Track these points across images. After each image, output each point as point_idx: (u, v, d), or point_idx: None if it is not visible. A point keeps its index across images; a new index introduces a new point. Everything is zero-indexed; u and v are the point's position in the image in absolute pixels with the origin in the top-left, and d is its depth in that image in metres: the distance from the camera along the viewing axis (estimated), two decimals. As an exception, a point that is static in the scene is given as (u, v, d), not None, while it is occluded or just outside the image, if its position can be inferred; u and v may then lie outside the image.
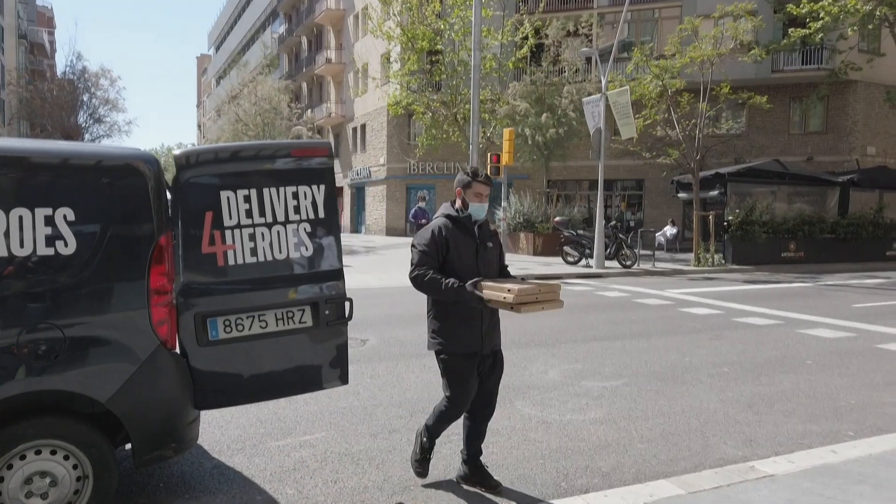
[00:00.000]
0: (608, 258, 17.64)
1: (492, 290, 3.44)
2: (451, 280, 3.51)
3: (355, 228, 38.44)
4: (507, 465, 4.18)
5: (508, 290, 3.36)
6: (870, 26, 21.39)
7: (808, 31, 20.70)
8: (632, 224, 25.57)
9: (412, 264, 3.61)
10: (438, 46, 24.37)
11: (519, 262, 17.93)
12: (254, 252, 3.61)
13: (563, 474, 4.05)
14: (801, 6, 20.62)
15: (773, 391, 5.96)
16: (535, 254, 20.94)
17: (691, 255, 19.28)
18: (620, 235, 17.99)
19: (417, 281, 3.57)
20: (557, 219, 19.68)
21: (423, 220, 16.27)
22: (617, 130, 18.88)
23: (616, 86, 19.54)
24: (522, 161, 23.97)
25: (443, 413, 3.76)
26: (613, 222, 19.76)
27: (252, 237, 3.61)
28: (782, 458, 4.26)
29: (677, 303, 11.53)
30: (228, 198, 3.56)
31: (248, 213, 3.61)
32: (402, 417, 5.03)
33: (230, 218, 3.56)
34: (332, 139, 42.39)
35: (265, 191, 3.65)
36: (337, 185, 35.34)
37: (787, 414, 5.32)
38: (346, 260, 19.36)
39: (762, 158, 23.93)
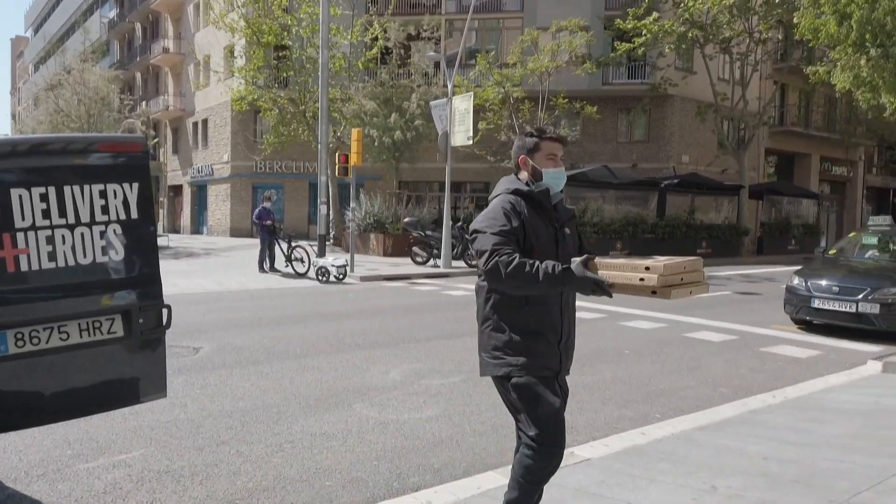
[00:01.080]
0: (455, 258, 18.12)
1: (617, 271, 2.51)
2: (550, 263, 2.53)
3: (196, 229, 36.33)
4: (340, 468, 4.14)
5: (647, 269, 2.43)
6: (683, 45, 23.85)
7: (632, 46, 22.67)
8: (479, 225, 26.49)
9: (482, 253, 2.60)
10: (286, 42, 23.73)
11: (368, 264, 17.91)
12: (52, 256, 3.27)
13: (396, 474, 4.09)
14: (627, 22, 22.55)
15: (595, 380, 6.43)
16: (386, 255, 21.03)
17: (532, 255, 20.30)
18: (467, 236, 18.54)
19: (499, 270, 2.53)
20: (407, 220, 19.90)
21: (269, 221, 15.75)
22: (464, 134, 19.48)
23: (462, 90, 20.16)
24: (372, 162, 23.98)
25: (534, 462, 2.72)
26: (461, 223, 20.34)
27: (50, 240, 3.27)
28: (598, 442, 4.60)
29: (517, 300, 12.10)
30: (21, 196, 3.20)
31: (46, 214, 3.26)
32: (233, 428, 4.81)
33: (23, 219, 3.20)
34: (169, 134, 39.79)
35: (66, 189, 3.32)
36: (176, 183, 33.24)
37: (604, 401, 5.76)
38: (185, 263, 18.29)
39: (594, 164, 25.79)
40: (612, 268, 2.52)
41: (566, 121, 24.09)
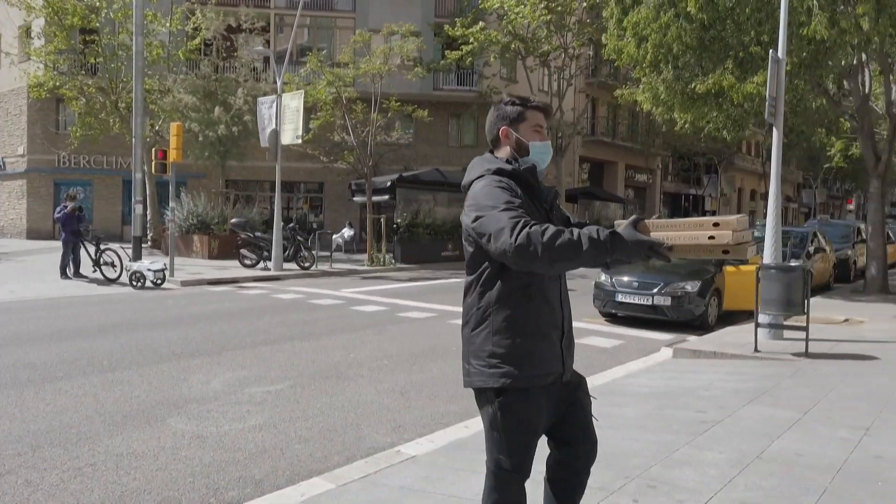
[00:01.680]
0: (287, 260, 17.60)
1: (677, 231, 2.15)
2: (593, 228, 2.11)
3: (-15, 231, 31.87)
4: (150, 489, 3.83)
5: (717, 225, 2.11)
6: (507, 56, 25.21)
7: (461, 54, 23.58)
8: (314, 226, 25.99)
9: (498, 233, 2.11)
10: (94, 24, 21.61)
11: (191, 267, 16.84)
12: None
13: (212, 489, 3.87)
14: (455, 29, 23.40)
15: (424, 378, 6.57)
16: (211, 257, 19.89)
17: (366, 256, 20.33)
18: (299, 237, 18.10)
19: (532, 243, 2.05)
20: (234, 220, 18.97)
21: (77, 223, 14.23)
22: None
23: (293, 88, 19.64)
24: (195, 158, 22.57)
25: (494, 487, 2.41)
26: (293, 224, 19.80)
27: None
28: (425, 439, 4.70)
29: (349, 301, 12.03)
30: None
31: None
32: (22, 454, 4.28)
33: None
34: (-51, 121, 34.51)
35: None
36: (-44, 177, 28.23)
37: (432, 397, 5.90)
38: (-33, 269, 15.99)
39: (427, 167, 26.39)
40: (669, 228, 2.16)
41: (399, 123, 24.47)
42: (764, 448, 4.31)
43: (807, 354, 7.35)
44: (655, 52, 12.94)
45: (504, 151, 2.48)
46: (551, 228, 2.07)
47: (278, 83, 17.95)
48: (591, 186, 34.02)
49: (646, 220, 2.16)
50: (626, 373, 6.96)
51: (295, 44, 19.08)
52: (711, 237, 2.11)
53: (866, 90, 14.18)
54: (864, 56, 13.65)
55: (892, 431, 4.69)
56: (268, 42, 26.19)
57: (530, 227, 2.08)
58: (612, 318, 10.58)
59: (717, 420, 4.97)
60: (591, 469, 2.58)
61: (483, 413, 2.40)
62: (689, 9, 12.11)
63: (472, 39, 23.29)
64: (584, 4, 24.10)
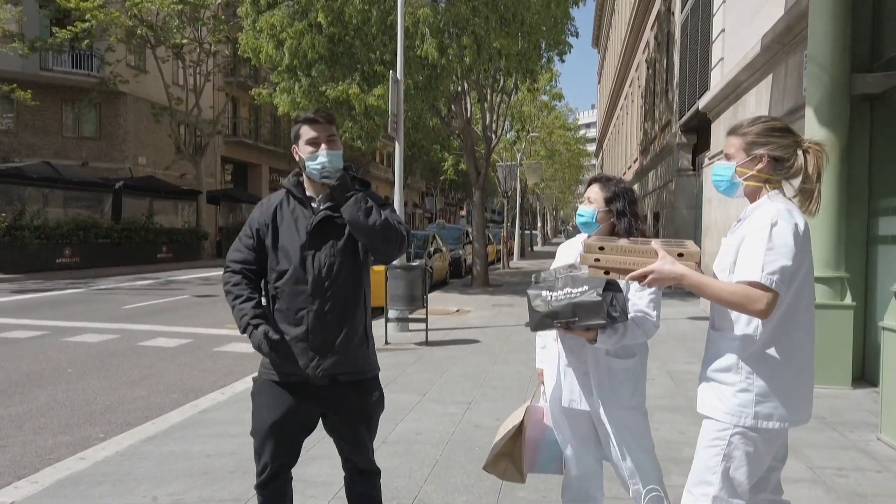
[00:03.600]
0: None
1: (621, 255, 2.05)
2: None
3: None
4: None
5: (680, 255, 2.06)
6: (134, 41, 22.95)
7: (74, 31, 20.62)
8: None
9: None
10: None
11: None
12: None
13: None
14: (69, 1, 20.37)
15: (27, 409, 5.57)
16: None
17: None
18: None
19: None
20: None
21: None
22: None
23: None
24: None
25: None
26: None
27: None
28: (26, 480, 3.98)
29: (-81, 325, 9.54)
30: None
31: None
32: None
33: None
34: None
35: None
36: None
37: (38, 431, 5.03)
38: None
39: (34, 159, 22.48)
40: (614, 252, 2.08)
41: (-3, 105, 20.35)
42: (390, 431, 4.74)
43: (427, 343, 8.34)
44: (292, 56, 13.21)
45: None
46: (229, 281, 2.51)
47: None
48: (235, 188, 33.17)
49: (587, 240, 2.22)
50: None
51: None
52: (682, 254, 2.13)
53: (468, 114, 16.72)
54: (465, 85, 16.09)
55: (488, 402, 5.61)
56: None
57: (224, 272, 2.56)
58: (254, 323, 10.45)
59: (351, 412, 5.29)
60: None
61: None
62: (319, 19, 12.67)
63: (88, 16, 20.59)
64: (220, 1, 23.37)
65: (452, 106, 16.46)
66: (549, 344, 2.77)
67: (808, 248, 2.10)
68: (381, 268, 10.25)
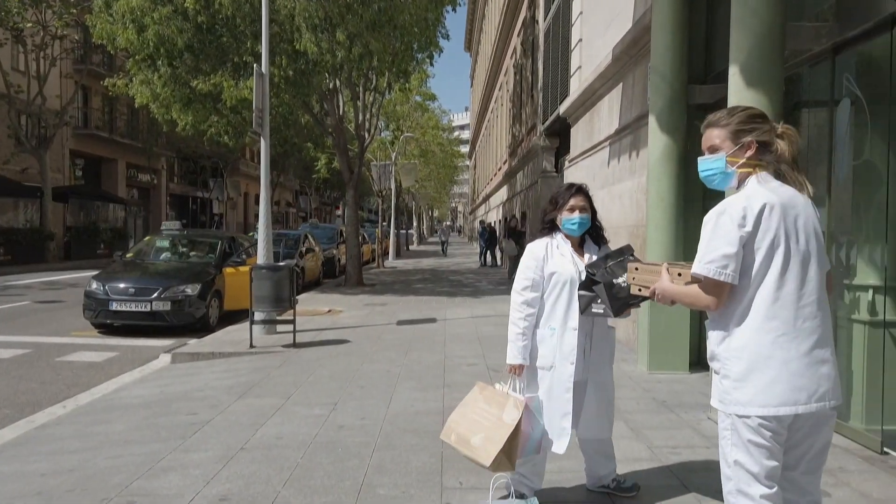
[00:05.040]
0: None
1: (651, 275, 2.44)
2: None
3: None
4: None
5: (680, 274, 2.30)
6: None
7: None
8: None
9: None
10: None
11: None
12: None
13: None
14: None
15: None
16: None
17: None
18: None
19: None
20: None
21: None
22: None
23: None
24: None
25: None
26: None
27: None
28: None
29: None
30: None
31: None
32: None
33: None
34: None
35: None
36: None
37: None
38: None
39: None
40: (643, 272, 2.48)
41: None
42: (249, 438, 4.58)
43: (294, 345, 8.15)
44: (158, 44, 12.41)
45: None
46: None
47: None
48: (87, 185, 30.64)
49: (630, 264, 2.58)
50: (117, 386, 6.48)
51: None
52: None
53: (341, 112, 16.53)
54: (338, 82, 15.89)
55: (354, 402, 5.57)
56: None
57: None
58: (108, 329, 9.75)
59: (208, 420, 5.06)
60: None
61: None
62: (186, 5, 12.00)
63: None
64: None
65: (325, 104, 16.19)
66: (557, 333, 3.13)
67: (773, 228, 2.08)
68: (245, 268, 9.89)
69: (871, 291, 4.37)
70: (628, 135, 8.32)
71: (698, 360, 6.50)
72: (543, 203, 3.38)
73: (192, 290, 9.75)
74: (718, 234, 2.09)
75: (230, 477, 3.84)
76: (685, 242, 6.60)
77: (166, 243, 11.68)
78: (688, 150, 6.57)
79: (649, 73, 6.63)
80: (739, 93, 4.53)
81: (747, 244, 2.09)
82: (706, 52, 6.76)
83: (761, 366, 2.09)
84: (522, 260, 3.23)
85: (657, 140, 6.45)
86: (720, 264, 2.08)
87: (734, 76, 4.58)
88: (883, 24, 4.19)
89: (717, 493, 3.56)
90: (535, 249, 3.21)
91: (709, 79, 6.62)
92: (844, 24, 4.47)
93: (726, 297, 2.12)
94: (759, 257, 2.09)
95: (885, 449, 4.15)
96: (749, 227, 2.08)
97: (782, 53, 4.52)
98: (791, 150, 2.22)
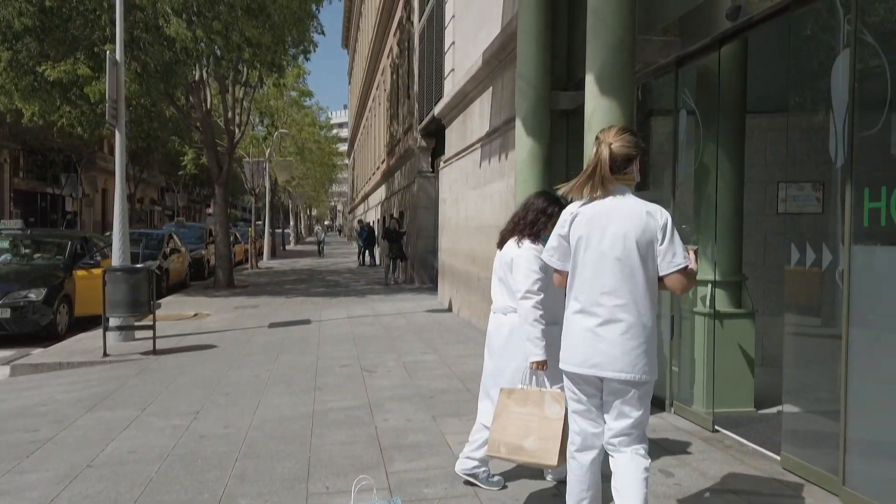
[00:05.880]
0: None
1: None
2: None
3: None
4: None
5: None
6: None
7: None
8: None
9: None
10: None
11: None
12: None
13: None
14: None
15: None
16: None
17: None
18: None
19: None
20: None
21: None
22: None
23: None
24: None
25: None
26: None
27: None
28: None
29: None
30: None
31: None
32: None
33: None
34: None
35: None
36: None
37: None
38: None
39: None
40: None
41: None
42: (97, 454, 4.24)
43: (155, 352, 7.67)
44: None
45: None
46: None
47: None
48: None
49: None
50: (-59, 405, 5.78)
51: None
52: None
53: (208, 106, 15.75)
54: (205, 74, 15.13)
55: (218, 410, 5.32)
56: None
57: None
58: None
59: (51, 436, 4.64)
60: None
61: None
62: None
63: None
64: None
65: (191, 97, 15.35)
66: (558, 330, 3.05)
67: (577, 230, 2.66)
68: (98, 271, 9.17)
69: (709, 286, 4.78)
70: (498, 137, 8.57)
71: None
72: (529, 212, 3.48)
73: (36, 295, 8.92)
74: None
75: (73, 498, 3.53)
76: (550, 241, 6.89)
77: (6, 244, 10.59)
78: (552, 153, 6.87)
79: (517, 79, 6.86)
80: (595, 100, 4.78)
81: (556, 239, 2.76)
82: (568, 60, 7.10)
83: (566, 332, 2.71)
84: (527, 263, 3.30)
85: (523, 143, 6.68)
86: (548, 254, 2.80)
87: (590, 84, 4.83)
88: (711, 45, 4.60)
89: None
90: (536, 252, 3.31)
91: (570, 86, 6.95)
92: (686, 40, 4.86)
93: (564, 279, 2.78)
94: (561, 249, 2.74)
95: (716, 427, 4.56)
96: (562, 226, 2.73)
97: (632, 64, 4.83)
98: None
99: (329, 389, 5.91)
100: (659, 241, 2.57)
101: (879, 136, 3.17)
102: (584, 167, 2.70)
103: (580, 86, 6.65)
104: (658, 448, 4.12)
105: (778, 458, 3.92)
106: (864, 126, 3.24)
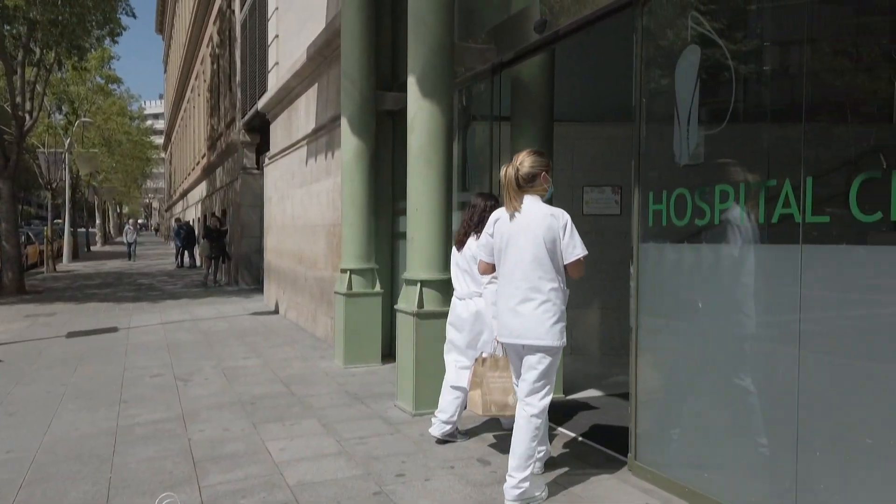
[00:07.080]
0: None
1: None
2: None
3: None
4: None
5: None
6: None
7: None
8: None
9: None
10: None
11: None
12: None
13: None
14: None
15: None
16: None
17: None
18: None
19: None
20: None
21: None
22: None
23: None
24: None
25: None
26: None
27: None
28: None
29: None
30: None
31: None
32: None
33: None
34: None
35: None
36: None
37: None
38: None
39: None
40: None
41: None
42: None
43: (-82, 370, 6.55)
44: None
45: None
46: None
47: None
48: None
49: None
50: None
51: None
52: None
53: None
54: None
55: (5, 431, 4.67)
56: None
57: None
58: None
59: None
60: None
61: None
62: None
63: None
64: None
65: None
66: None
67: (499, 231, 3.38)
68: None
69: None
70: (324, 135, 8.43)
71: (390, 353, 6.86)
72: (474, 214, 4.22)
73: None
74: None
75: None
76: (378, 240, 6.92)
77: None
78: (379, 153, 6.89)
79: (342, 78, 6.79)
80: (417, 102, 4.87)
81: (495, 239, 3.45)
82: (392, 61, 7.16)
83: (497, 311, 3.46)
84: (484, 249, 3.70)
85: (349, 142, 6.64)
86: (479, 249, 3.65)
87: (412, 86, 4.91)
88: (523, 55, 4.89)
89: (395, 478, 3.77)
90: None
91: (395, 86, 7.02)
92: (500, 49, 5.10)
93: (489, 268, 3.57)
94: (496, 248, 3.44)
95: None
96: (492, 227, 3.47)
97: (451, 68, 4.98)
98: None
99: (136, 402, 5.44)
100: (561, 237, 3.24)
101: (662, 147, 3.55)
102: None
103: (405, 87, 6.75)
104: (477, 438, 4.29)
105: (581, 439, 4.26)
106: (652, 137, 3.61)
